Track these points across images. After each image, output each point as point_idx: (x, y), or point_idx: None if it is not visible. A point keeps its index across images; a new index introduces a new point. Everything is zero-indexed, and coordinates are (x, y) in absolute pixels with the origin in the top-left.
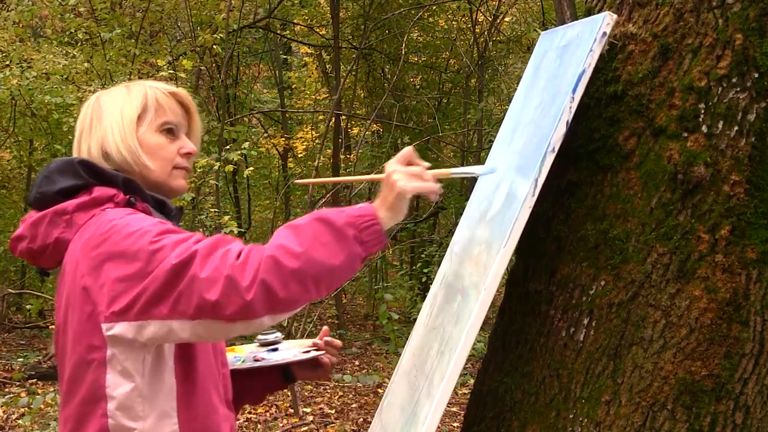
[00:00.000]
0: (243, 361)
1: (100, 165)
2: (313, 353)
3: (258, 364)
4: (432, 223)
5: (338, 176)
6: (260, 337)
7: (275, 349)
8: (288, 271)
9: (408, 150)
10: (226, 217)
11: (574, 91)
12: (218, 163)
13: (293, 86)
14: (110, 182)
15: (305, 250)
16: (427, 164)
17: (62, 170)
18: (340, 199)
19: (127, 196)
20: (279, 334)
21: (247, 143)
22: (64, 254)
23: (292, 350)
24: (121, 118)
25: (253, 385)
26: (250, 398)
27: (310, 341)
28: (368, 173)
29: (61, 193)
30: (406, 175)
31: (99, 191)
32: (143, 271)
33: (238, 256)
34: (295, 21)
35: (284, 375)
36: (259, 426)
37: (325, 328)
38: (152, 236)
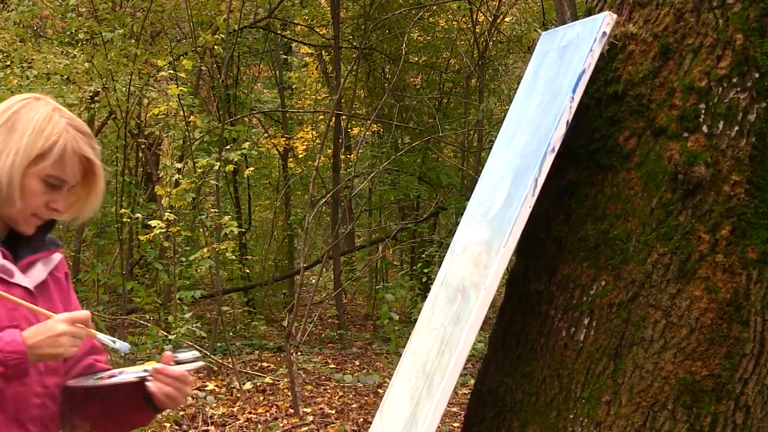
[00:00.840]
0: (98, 378)
1: None
2: (137, 378)
3: (100, 382)
4: (432, 223)
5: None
6: (177, 354)
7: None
8: None
9: (84, 315)
10: (227, 217)
11: (574, 90)
12: (218, 163)
13: (293, 86)
14: None
15: None
16: (87, 332)
17: None
18: (341, 199)
19: None
20: (193, 353)
21: (247, 143)
22: None
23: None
24: (23, 147)
25: (117, 406)
26: (118, 422)
27: (148, 367)
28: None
29: None
30: (71, 339)
31: None
32: None
33: None
34: (295, 21)
35: (147, 401)
36: (259, 426)
37: (165, 353)
38: None
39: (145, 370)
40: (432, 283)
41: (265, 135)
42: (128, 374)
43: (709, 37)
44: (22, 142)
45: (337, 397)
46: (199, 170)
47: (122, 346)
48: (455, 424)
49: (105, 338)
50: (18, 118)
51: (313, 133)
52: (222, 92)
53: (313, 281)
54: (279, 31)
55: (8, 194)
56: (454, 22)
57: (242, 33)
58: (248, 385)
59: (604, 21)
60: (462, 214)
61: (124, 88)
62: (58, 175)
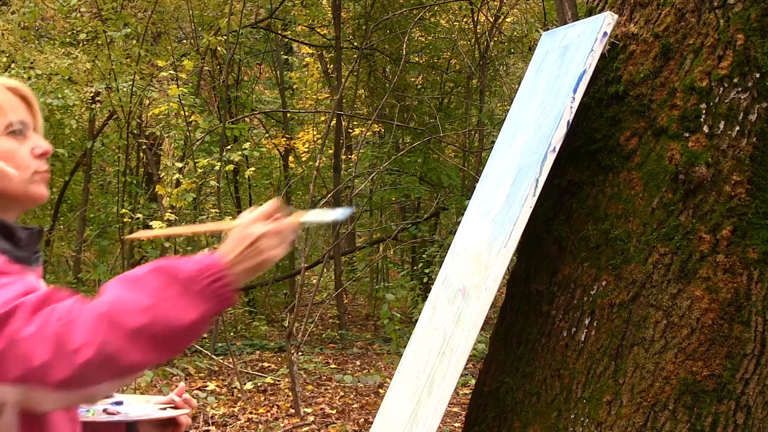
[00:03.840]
0: (92, 413)
1: None
2: (172, 412)
3: (110, 417)
4: (433, 223)
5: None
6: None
7: (119, 402)
8: (127, 331)
9: (272, 205)
10: (228, 218)
11: (575, 90)
12: (219, 164)
13: (294, 86)
14: None
15: (146, 306)
16: (288, 220)
17: None
18: (341, 199)
19: None
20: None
21: (248, 143)
22: None
23: (146, 405)
24: None
25: None
26: None
27: (163, 398)
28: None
29: None
30: (275, 237)
31: None
32: None
33: (69, 312)
34: (296, 21)
35: (128, 430)
36: (260, 426)
37: (181, 385)
38: None
39: (164, 405)
40: (433, 284)
41: (266, 135)
42: (139, 407)
43: (711, 37)
44: None
45: (338, 397)
46: (199, 170)
47: (342, 214)
48: (456, 425)
49: (315, 217)
50: None
51: (314, 133)
52: (223, 93)
53: (314, 281)
54: (280, 32)
55: None
56: (455, 23)
57: (243, 34)
58: (249, 386)
59: (605, 21)
60: (463, 215)
61: (126, 89)
62: (9, 120)
